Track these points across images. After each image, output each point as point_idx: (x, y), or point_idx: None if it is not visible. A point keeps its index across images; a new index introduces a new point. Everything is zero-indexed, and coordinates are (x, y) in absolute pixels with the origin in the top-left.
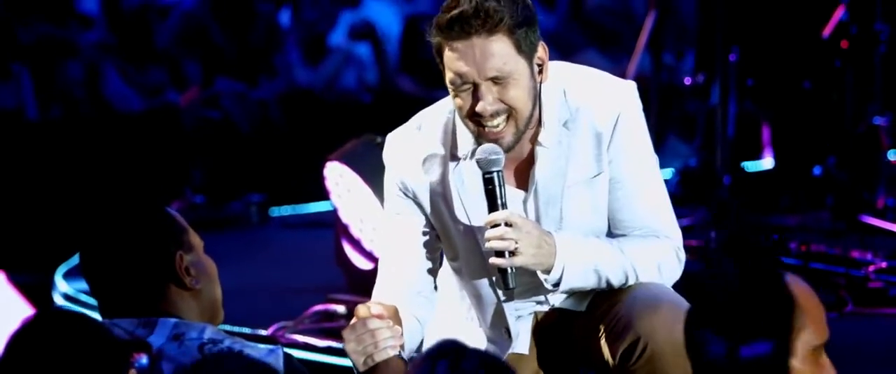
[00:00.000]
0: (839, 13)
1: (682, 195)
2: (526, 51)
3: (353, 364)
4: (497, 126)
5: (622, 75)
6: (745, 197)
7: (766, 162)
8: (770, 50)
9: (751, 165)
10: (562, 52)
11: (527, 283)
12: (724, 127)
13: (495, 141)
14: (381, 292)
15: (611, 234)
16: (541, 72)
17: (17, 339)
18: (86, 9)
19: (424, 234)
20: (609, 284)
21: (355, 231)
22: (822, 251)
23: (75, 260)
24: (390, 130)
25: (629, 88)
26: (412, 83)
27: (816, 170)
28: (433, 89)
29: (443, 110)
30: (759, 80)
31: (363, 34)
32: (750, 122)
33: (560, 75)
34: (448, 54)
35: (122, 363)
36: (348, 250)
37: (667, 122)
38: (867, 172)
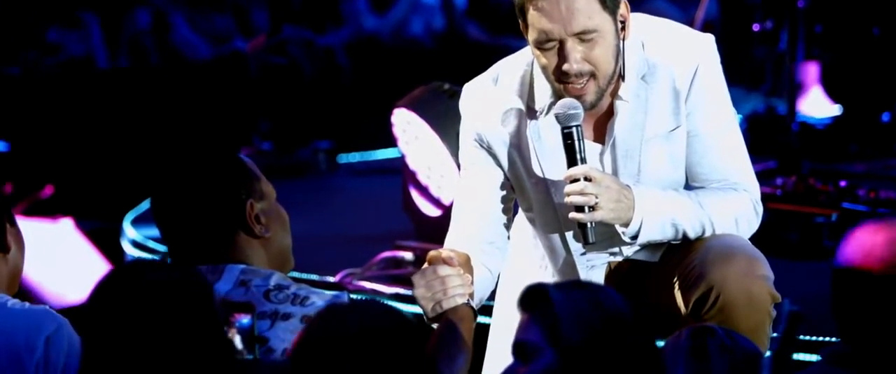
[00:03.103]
0: None
1: (750, 142)
2: (610, 7)
3: (422, 310)
4: (581, 84)
5: (690, 23)
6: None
7: (818, 102)
8: None
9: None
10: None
11: (602, 233)
12: (791, 74)
13: (578, 98)
14: (454, 241)
15: (688, 186)
16: (623, 29)
17: (102, 291)
18: None
19: (498, 185)
20: (685, 236)
21: (423, 178)
22: (890, 198)
23: (143, 207)
24: (457, 77)
25: (707, 41)
26: (479, 30)
27: (885, 116)
28: (500, 36)
29: (521, 62)
30: (828, 26)
31: None
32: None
33: (638, 28)
34: (532, 13)
35: (220, 322)
36: (416, 196)
37: (734, 68)
38: None
